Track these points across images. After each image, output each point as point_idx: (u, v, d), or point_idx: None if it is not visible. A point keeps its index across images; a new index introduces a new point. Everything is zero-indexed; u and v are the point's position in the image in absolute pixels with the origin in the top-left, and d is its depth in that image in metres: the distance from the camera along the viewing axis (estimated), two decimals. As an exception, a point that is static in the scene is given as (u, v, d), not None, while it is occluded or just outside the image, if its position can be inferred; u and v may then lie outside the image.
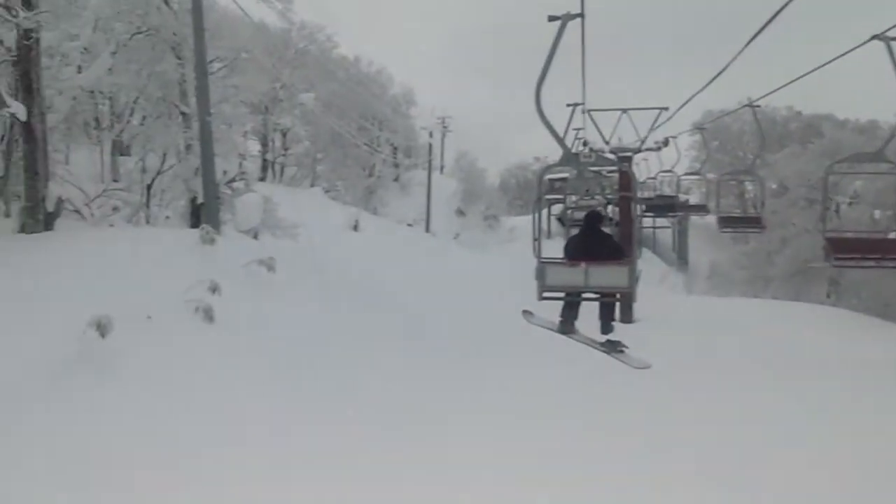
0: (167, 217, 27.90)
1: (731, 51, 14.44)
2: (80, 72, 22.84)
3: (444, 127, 68.97)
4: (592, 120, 29.50)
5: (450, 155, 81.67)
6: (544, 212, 53.40)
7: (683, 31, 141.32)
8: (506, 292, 27.72)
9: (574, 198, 35.69)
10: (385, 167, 68.26)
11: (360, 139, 52.42)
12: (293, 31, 53.74)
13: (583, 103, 24.37)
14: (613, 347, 12.98)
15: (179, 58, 24.93)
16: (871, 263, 16.90)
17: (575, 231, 13.89)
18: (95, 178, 30.66)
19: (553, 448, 11.40)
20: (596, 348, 13.09)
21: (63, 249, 16.99)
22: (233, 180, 25.90)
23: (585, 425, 13.09)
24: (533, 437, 11.84)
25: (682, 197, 50.77)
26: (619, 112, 30.55)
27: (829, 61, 13.90)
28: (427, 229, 57.56)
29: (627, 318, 26.11)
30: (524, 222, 61.55)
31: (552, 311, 13.37)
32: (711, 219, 54.13)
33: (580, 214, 15.25)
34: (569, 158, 12.27)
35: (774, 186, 52.58)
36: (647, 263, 46.71)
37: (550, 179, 51.95)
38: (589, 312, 13.29)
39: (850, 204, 51.78)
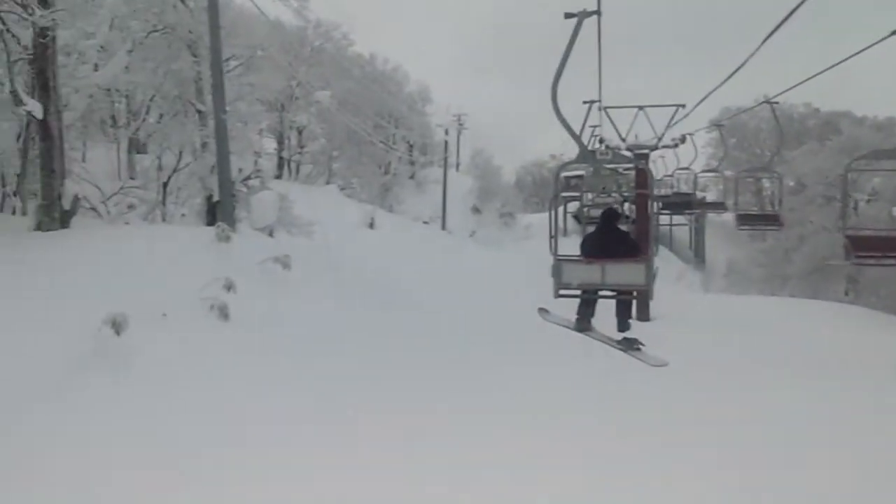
0: (183, 215, 27.96)
1: (748, 48, 14.34)
2: (96, 70, 22.91)
3: (460, 124, 68.94)
4: (609, 117, 29.38)
5: (466, 152, 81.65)
6: (560, 209, 53.30)
7: (700, 28, 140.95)
8: (522, 290, 27.64)
9: (590, 195, 35.58)
10: (401, 165, 68.25)
11: (375, 137, 52.41)
12: (309, 29, 53.82)
13: (599, 100, 24.29)
14: (630, 345, 12.89)
15: (195, 56, 25.01)
16: (893, 262, 16.74)
17: (591, 228, 13.80)
18: (112, 175, 30.78)
19: (567, 447, 11.31)
20: (612, 346, 13.00)
21: (79, 247, 17.03)
22: (248, 178, 25.94)
23: (600, 422, 12.97)
24: (546, 436, 11.75)
25: (699, 194, 50.61)
26: (635, 109, 30.43)
27: (847, 58, 13.75)
28: (443, 227, 57.50)
29: (644, 316, 26.00)
30: (540, 220, 61.32)
31: (568, 309, 13.32)
32: (728, 216, 53.94)
33: (596, 212, 15.22)
34: (585, 156, 12.18)
35: (792, 184, 52.27)
36: (664, 261, 46.56)
37: (566, 177, 51.80)
38: (605, 310, 13.22)
39: (868, 201, 51.58)
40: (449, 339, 19.87)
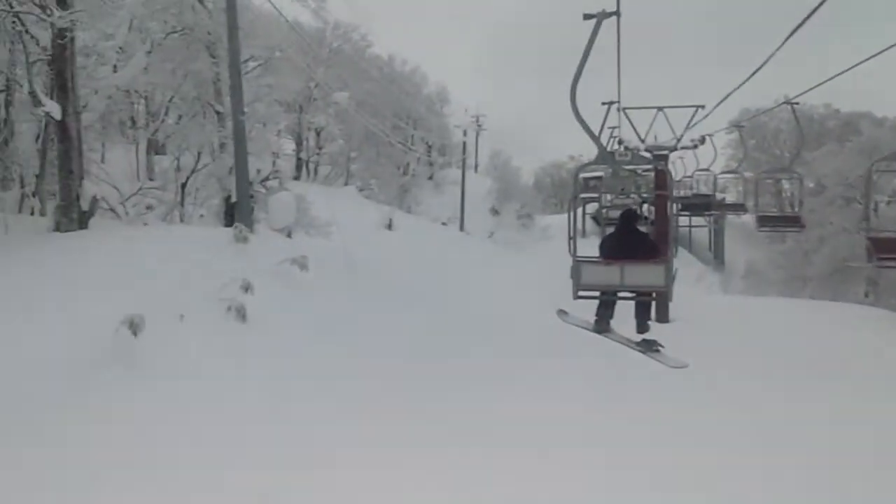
0: (201, 215, 27.99)
1: (768, 48, 14.22)
2: (115, 71, 22.94)
3: (479, 125, 68.82)
4: (628, 118, 29.24)
5: (484, 153, 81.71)
6: (579, 211, 53.25)
7: (720, 28, 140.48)
8: (540, 291, 27.58)
9: (609, 196, 35.54)
10: (419, 166, 68.28)
11: (394, 138, 52.40)
12: (327, 30, 53.94)
13: (618, 101, 24.18)
14: (649, 347, 12.84)
15: (214, 57, 25.01)
16: None
17: (610, 230, 13.77)
18: (131, 176, 30.88)
19: (583, 451, 11.25)
20: (632, 348, 12.97)
21: (97, 248, 17.03)
22: (266, 179, 25.94)
23: (616, 422, 12.92)
24: (559, 440, 11.70)
25: (719, 196, 50.40)
26: (654, 110, 30.31)
27: (868, 58, 13.63)
28: (461, 228, 57.45)
29: (663, 317, 25.84)
30: (558, 221, 61.31)
31: (587, 310, 13.26)
32: (748, 218, 53.73)
33: (615, 213, 15.13)
34: (604, 157, 12.15)
35: (812, 185, 52.02)
36: (683, 263, 46.34)
37: (585, 178, 51.83)
38: (624, 312, 13.15)
39: (889, 203, 51.25)
40: (467, 340, 19.80)
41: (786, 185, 65.01)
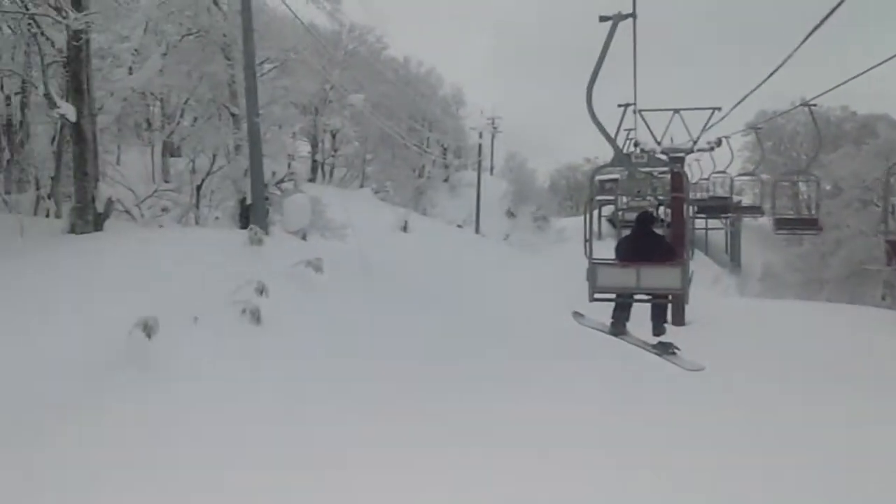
0: (217, 218, 28.00)
1: (784, 50, 14.14)
2: (131, 73, 22.99)
3: (494, 128, 68.71)
4: (644, 120, 29.19)
5: (499, 155, 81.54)
6: (595, 213, 53.07)
7: (736, 30, 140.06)
8: (556, 293, 27.51)
9: (625, 199, 35.37)
10: (434, 168, 68.19)
11: (409, 140, 52.35)
12: (343, 32, 53.93)
13: (634, 103, 24.12)
14: (665, 349, 12.77)
15: (229, 59, 25.02)
16: None
17: (626, 232, 13.70)
18: (146, 178, 30.96)
19: (600, 452, 11.18)
20: (648, 350, 12.89)
21: (112, 250, 17.05)
22: (282, 181, 25.92)
23: (632, 424, 12.85)
24: (575, 441, 11.63)
25: (735, 198, 50.23)
26: (670, 112, 30.22)
27: (886, 60, 13.53)
28: (476, 230, 57.32)
29: (679, 320, 25.78)
30: (574, 223, 61.16)
31: (603, 312, 13.19)
32: (764, 220, 53.53)
33: (631, 215, 15.05)
34: (620, 159, 12.09)
35: (829, 187, 51.79)
36: (699, 265, 46.11)
37: (601, 180, 51.74)
38: (641, 314, 13.08)
39: (906, 206, 50.89)
40: (483, 342, 19.75)
41: (802, 187, 64.77)
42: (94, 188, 19.17)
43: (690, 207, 30.46)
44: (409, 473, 9.81)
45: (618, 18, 10.59)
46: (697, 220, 55.59)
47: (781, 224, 32.96)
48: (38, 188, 23.09)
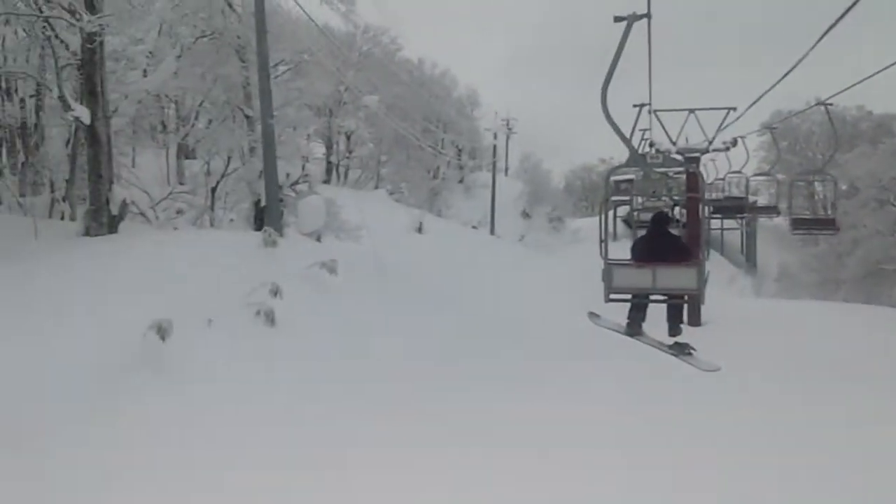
0: (231, 220, 28.04)
1: (800, 50, 14.06)
2: (145, 75, 23.00)
3: (509, 129, 68.65)
4: (659, 120, 29.11)
5: (514, 156, 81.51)
6: (610, 213, 52.97)
7: (752, 29, 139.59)
8: (571, 294, 27.44)
9: (640, 199, 35.26)
10: (449, 169, 68.17)
11: (424, 141, 52.31)
12: (357, 34, 53.96)
13: (649, 104, 24.04)
14: (682, 350, 12.72)
15: (243, 61, 25.05)
16: None
17: (641, 233, 13.67)
18: (161, 180, 31.04)
19: (615, 452, 11.12)
20: (664, 351, 12.84)
21: (126, 252, 17.07)
22: (296, 183, 25.91)
23: (648, 424, 12.78)
24: (591, 441, 11.57)
25: (751, 198, 50.06)
26: (686, 112, 30.15)
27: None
28: (491, 231, 57.28)
29: (695, 320, 25.69)
30: (589, 224, 61.10)
31: (618, 313, 13.14)
32: (779, 220, 53.33)
33: (647, 216, 15.00)
34: (635, 159, 12.09)
35: (845, 187, 51.58)
36: (715, 266, 46.01)
37: (617, 181, 51.56)
38: (656, 315, 13.01)
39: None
40: (498, 343, 19.70)
41: (818, 187, 64.52)
42: (108, 190, 19.20)
43: (706, 208, 30.38)
44: (431, 474, 9.77)
45: (632, 19, 10.57)
46: (713, 221, 55.37)
47: (798, 224, 32.88)
48: (52, 191, 23.17)
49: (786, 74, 15.59)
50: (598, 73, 10.72)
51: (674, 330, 13.01)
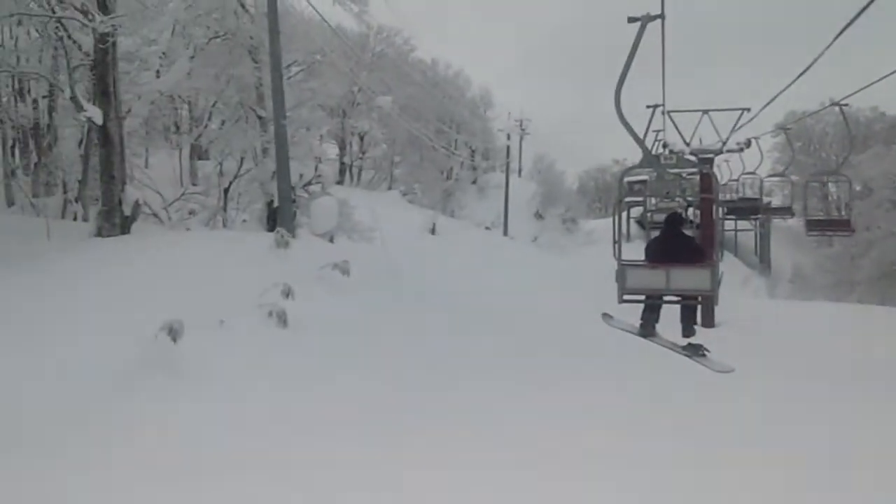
0: (244, 220, 28.04)
1: (814, 51, 13.97)
2: (158, 76, 23.02)
3: (522, 130, 68.64)
4: (673, 121, 28.98)
5: (528, 157, 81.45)
6: (624, 214, 52.93)
7: (766, 30, 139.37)
8: (585, 294, 27.34)
9: (654, 200, 35.22)
10: (462, 170, 68.17)
11: (437, 142, 52.32)
12: (370, 34, 53.98)
13: (663, 104, 23.96)
14: (695, 351, 12.66)
15: (256, 61, 25.04)
16: None
17: (655, 233, 13.61)
18: (174, 181, 31.09)
19: (627, 452, 11.05)
20: (677, 352, 12.80)
21: (139, 253, 17.08)
22: (309, 183, 25.89)
23: (660, 425, 12.71)
24: (601, 441, 11.50)
25: (765, 199, 49.92)
26: (699, 113, 30.03)
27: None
28: (505, 232, 57.22)
29: (709, 321, 25.55)
30: (603, 225, 61.07)
31: (632, 314, 13.08)
32: (793, 221, 53.12)
33: (660, 217, 14.95)
34: (649, 160, 12.05)
35: (859, 188, 51.37)
36: (729, 267, 45.87)
37: (630, 182, 51.52)
38: (670, 316, 12.94)
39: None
40: (509, 342, 19.62)
41: (832, 188, 64.34)
42: (121, 191, 19.22)
43: (720, 209, 30.28)
44: (457, 469, 9.72)
45: (646, 20, 10.50)
46: (726, 222, 55.18)
47: (813, 225, 32.69)
48: (65, 191, 23.23)
49: (801, 74, 15.47)
50: (612, 74, 10.66)
51: (687, 331, 12.95)
